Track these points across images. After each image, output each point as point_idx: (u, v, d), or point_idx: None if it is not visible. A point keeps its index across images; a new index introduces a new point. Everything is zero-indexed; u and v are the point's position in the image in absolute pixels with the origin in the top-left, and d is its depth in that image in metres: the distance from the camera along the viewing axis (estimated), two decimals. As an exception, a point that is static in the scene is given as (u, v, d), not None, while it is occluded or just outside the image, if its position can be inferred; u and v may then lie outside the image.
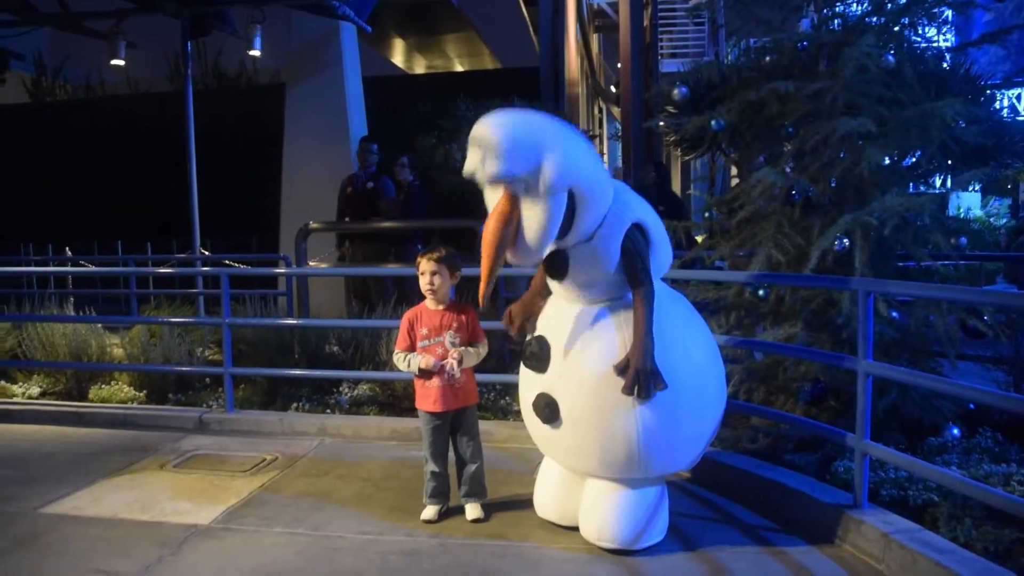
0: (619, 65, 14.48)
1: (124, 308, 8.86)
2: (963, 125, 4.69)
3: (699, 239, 6.37)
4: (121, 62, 9.28)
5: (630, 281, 3.48)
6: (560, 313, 3.69)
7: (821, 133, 4.42)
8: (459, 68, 18.90)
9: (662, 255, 3.65)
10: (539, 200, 3.21)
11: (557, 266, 3.56)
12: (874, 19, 4.83)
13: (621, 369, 3.38)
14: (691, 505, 4.24)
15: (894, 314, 4.55)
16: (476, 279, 3.46)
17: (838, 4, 5.03)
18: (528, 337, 3.78)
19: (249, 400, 6.08)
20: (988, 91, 5.17)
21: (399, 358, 4.11)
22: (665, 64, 13.53)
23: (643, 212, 3.58)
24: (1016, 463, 3.94)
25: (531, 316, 3.84)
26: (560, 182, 3.21)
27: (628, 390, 3.34)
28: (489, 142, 3.17)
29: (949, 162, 4.96)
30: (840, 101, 4.42)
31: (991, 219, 15.41)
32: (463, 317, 4.06)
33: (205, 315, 8.41)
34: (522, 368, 3.79)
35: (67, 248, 10.20)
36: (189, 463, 5.08)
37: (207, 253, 9.58)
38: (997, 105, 5.54)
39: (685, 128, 5.04)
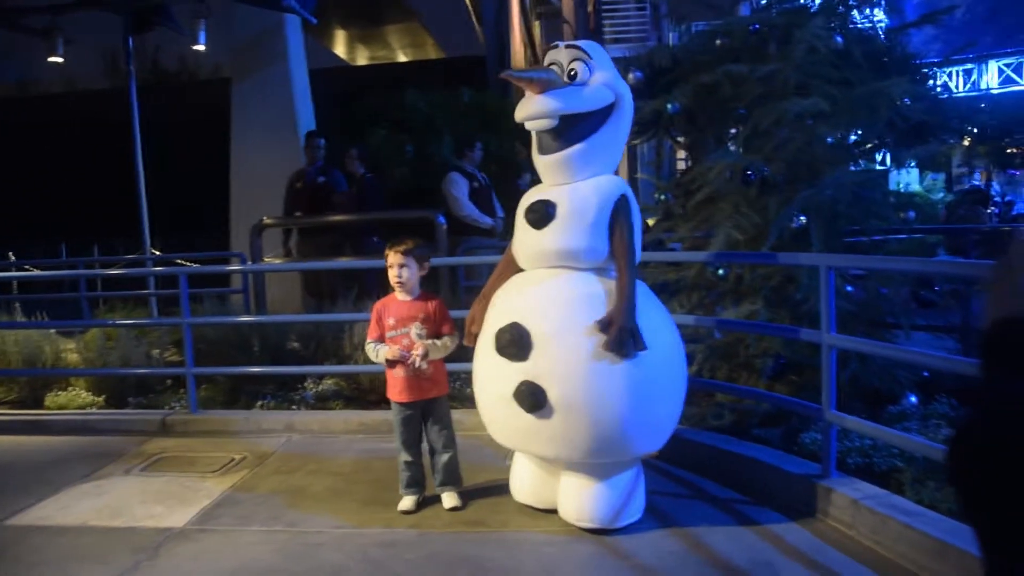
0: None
1: (74, 312, 8.65)
2: (907, 103, 4.86)
3: (650, 222, 6.46)
4: (59, 59, 9.04)
5: (617, 247, 3.50)
6: (534, 293, 3.62)
7: (774, 114, 4.53)
8: (402, 58, 18.78)
9: (638, 239, 3.69)
10: (593, 83, 3.55)
11: (542, 213, 3.58)
12: (817, 1, 4.96)
13: (604, 326, 3.37)
14: (663, 483, 4.33)
15: (849, 288, 4.69)
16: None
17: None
18: (500, 326, 3.64)
19: (212, 400, 6.01)
20: (927, 70, 5.35)
21: (369, 348, 4.13)
22: (609, 50, 13.61)
23: (631, 193, 3.66)
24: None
25: None
26: (613, 84, 3.61)
27: (610, 345, 3.34)
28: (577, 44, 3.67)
29: (892, 140, 5.14)
30: (792, 82, 4.53)
31: (929, 194, 15.89)
32: (430, 308, 4.07)
33: (159, 316, 8.26)
34: (487, 360, 3.70)
35: (9, 252, 9.93)
36: (156, 466, 5.01)
37: (158, 253, 9.41)
38: (934, 84, 5.73)
39: (641, 112, 5.10)
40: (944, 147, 5.13)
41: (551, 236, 3.58)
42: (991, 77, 15.62)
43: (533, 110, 3.53)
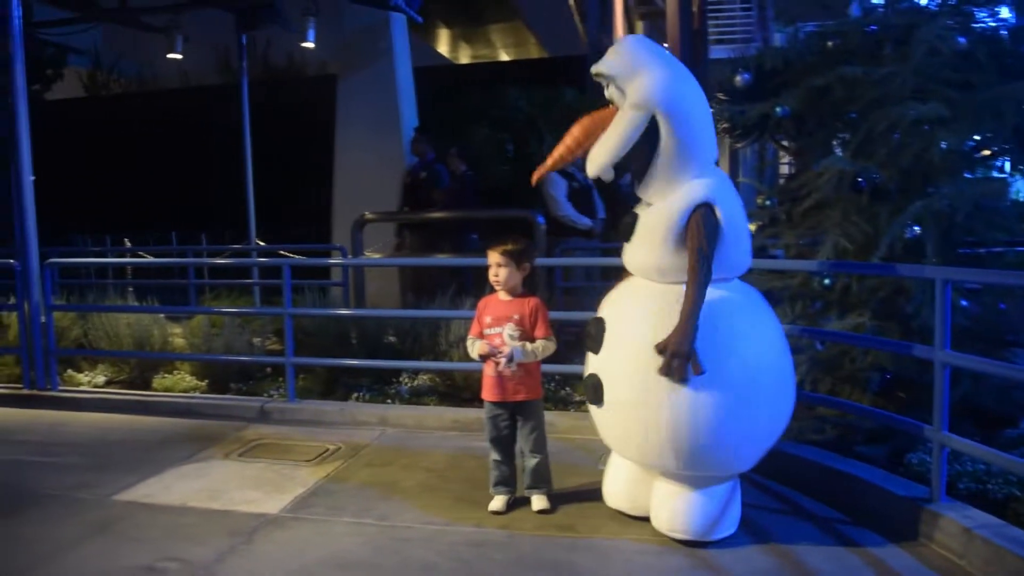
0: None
1: (182, 298, 9.00)
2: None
3: (752, 227, 6.29)
4: (178, 56, 9.42)
5: (688, 261, 3.37)
6: (623, 294, 3.74)
7: (890, 118, 4.32)
8: (504, 57, 18.88)
9: (733, 250, 3.49)
10: (625, 110, 3.39)
11: (628, 227, 3.62)
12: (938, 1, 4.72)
13: (660, 349, 3.33)
14: (759, 497, 4.20)
15: (964, 302, 4.45)
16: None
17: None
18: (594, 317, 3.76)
19: (309, 390, 6.14)
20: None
21: (469, 343, 4.18)
22: (713, 51, 13.35)
23: (724, 197, 3.46)
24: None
25: None
26: (649, 97, 3.35)
27: (663, 371, 3.31)
28: (623, 43, 3.55)
29: (1014, 146, 4.84)
30: (909, 85, 4.32)
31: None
32: (526, 310, 4.05)
33: (261, 305, 8.52)
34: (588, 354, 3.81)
35: (125, 240, 10.42)
36: (253, 452, 5.15)
37: (262, 244, 9.70)
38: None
39: (748, 115, 4.97)
40: None
41: (632, 251, 3.65)
42: None
43: (591, 167, 3.53)
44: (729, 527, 3.64)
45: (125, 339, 6.70)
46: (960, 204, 4.25)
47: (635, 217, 3.62)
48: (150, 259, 8.86)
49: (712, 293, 3.40)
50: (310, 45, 9.27)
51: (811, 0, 5.88)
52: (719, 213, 3.41)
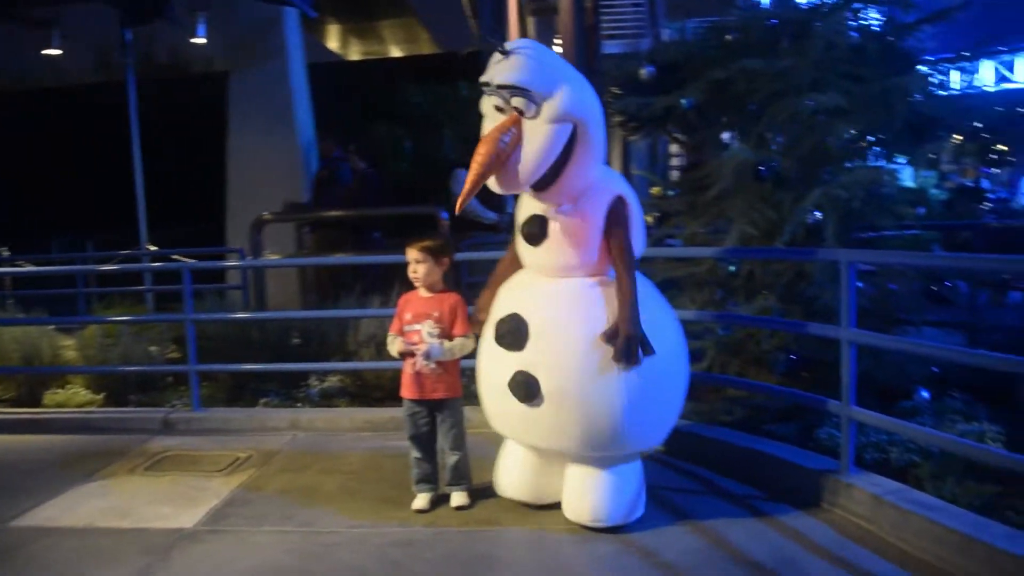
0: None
1: (69, 309, 8.54)
2: (919, 100, 4.86)
3: (649, 219, 6.44)
4: (57, 52, 8.93)
5: (614, 252, 3.50)
6: (535, 288, 3.66)
7: (790, 109, 4.50)
8: (396, 53, 18.70)
9: (636, 239, 3.66)
10: (544, 123, 3.32)
11: (535, 231, 3.58)
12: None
13: (610, 336, 3.39)
14: (678, 479, 4.31)
15: (859, 284, 4.67)
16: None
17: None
18: (501, 316, 3.66)
19: (213, 397, 5.93)
20: (937, 67, 5.34)
21: (389, 339, 4.13)
22: (604, 46, 13.56)
23: (628, 190, 3.62)
24: (986, 421, 4.09)
25: None
26: (569, 109, 3.34)
27: (619, 355, 3.36)
28: (517, 54, 3.34)
29: (891, 137, 5.12)
30: (807, 78, 4.51)
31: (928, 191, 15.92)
32: (445, 308, 4.02)
33: (155, 312, 8.16)
34: (487, 349, 3.73)
35: (3, 249, 9.80)
36: (160, 465, 4.94)
37: (154, 248, 9.31)
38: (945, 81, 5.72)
39: (654, 107, 5.08)
40: (946, 145, 5.11)
41: (545, 253, 3.61)
42: (986, 75, 15.75)
43: (510, 186, 3.45)
44: (641, 508, 3.74)
45: (11, 354, 6.30)
46: (855, 191, 4.47)
47: (541, 220, 3.57)
48: (34, 268, 8.38)
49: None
50: (201, 41, 8.94)
51: None
52: (626, 201, 3.57)
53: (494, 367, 3.67)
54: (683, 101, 4.85)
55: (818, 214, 4.44)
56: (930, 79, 5.04)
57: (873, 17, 5.06)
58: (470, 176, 3.37)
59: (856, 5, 4.75)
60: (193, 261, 6.20)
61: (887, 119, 4.60)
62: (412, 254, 4.07)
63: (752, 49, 4.84)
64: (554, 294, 3.60)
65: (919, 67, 5.23)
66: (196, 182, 11.46)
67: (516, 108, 3.34)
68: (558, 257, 3.59)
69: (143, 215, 9.16)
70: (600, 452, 3.61)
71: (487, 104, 3.47)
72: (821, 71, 4.57)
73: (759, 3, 5.44)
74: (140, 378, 6.14)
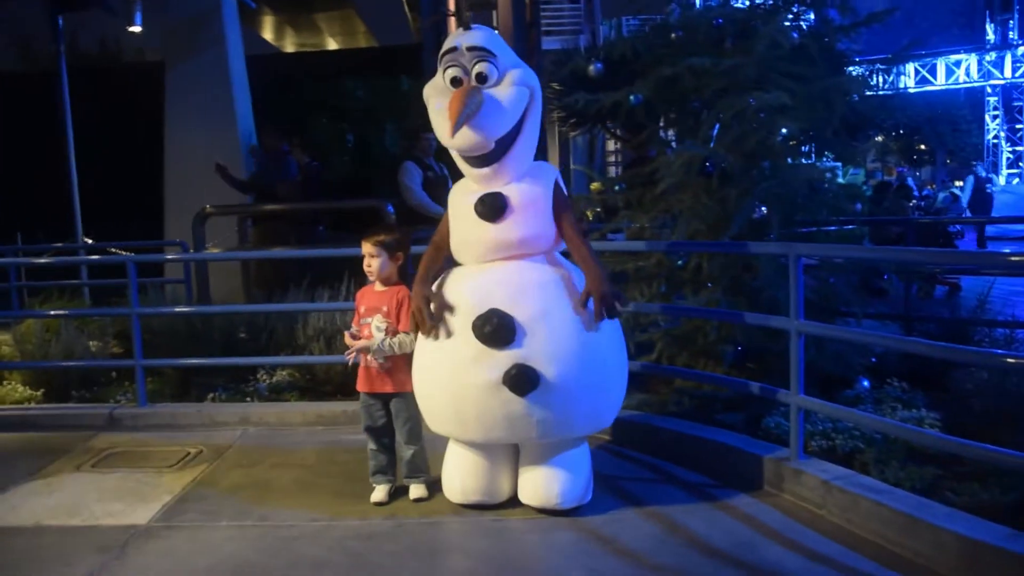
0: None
1: (3, 303, 8.25)
2: (856, 99, 5.05)
3: (589, 213, 6.55)
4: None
5: (567, 222, 3.69)
6: (502, 278, 3.62)
7: (736, 107, 4.63)
8: (332, 45, 18.48)
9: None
10: (508, 85, 3.55)
11: (497, 205, 3.62)
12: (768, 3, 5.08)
13: (585, 301, 3.55)
14: (631, 468, 4.41)
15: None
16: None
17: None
18: (479, 314, 3.55)
19: (159, 393, 5.83)
20: (868, 68, 5.56)
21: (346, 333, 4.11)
22: (544, 42, 13.65)
23: (559, 175, 3.87)
24: (924, 407, 4.29)
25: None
26: (526, 78, 3.62)
27: (602, 313, 3.55)
28: (481, 29, 3.65)
29: (829, 135, 5.31)
30: (752, 76, 4.65)
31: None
32: (394, 302, 4.03)
33: (93, 307, 7.94)
34: (459, 350, 3.60)
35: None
36: (107, 462, 4.84)
37: (90, 242, 9.05)
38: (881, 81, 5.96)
39: (602, 103, 5.16)
40: (879, 143, 5.35)
41: (510, 228, 3.63)
42: (908, 77, 16.41)
43: (470, 142, 3.53)
44: (591, 489, 3.87)
45: (-59, 350, 6.10)
46: (798, 186, 4.63)
47: (499, 195, 3.62)
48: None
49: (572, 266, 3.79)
50: (136, 30, 8.71)
51: None
52: (560, 182, 3.80)
53: (475, 368, 3.56)
54: (631, 97, 4.93)
55: (763, 209, 4.58)
56: (866, 79, 5.26)
57: (806, 19, 5.25)
58: (451, 116, 3.45)
59: (796, 8, 4.91)
60: (135, 255, 6.03)
61: (827, 117, 4.77)
62: (367, 248, 4.07)
63: (698, 47, 4.97)
64: (526, 282, 3.60)
65: (853, 68, 5.46)
66: (131, 174, 11.15)
67: (479, 74, 3.52)
68: (523, 230, 3.63)
69: (78, 208, 8.90)
70: (584, 432, 3.79)
71: (442, 78, 3.63)
72: (764, 70, 4.71)
73: (694, 2, 5.55)
74: (82, 374, 6.00)
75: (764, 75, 4.66)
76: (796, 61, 4.77)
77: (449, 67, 3.60)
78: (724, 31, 4.95)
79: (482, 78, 3.53)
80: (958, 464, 3.65)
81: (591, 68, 5.17)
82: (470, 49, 3.53)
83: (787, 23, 4.73)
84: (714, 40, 5.01)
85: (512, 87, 3.56)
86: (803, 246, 3.99)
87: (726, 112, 4.68)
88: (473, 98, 3.47)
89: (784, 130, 4.56)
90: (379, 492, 4.08)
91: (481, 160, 3.63)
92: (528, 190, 3.65)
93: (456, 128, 3.46)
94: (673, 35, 5.21)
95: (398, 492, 4.11)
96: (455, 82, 3.59)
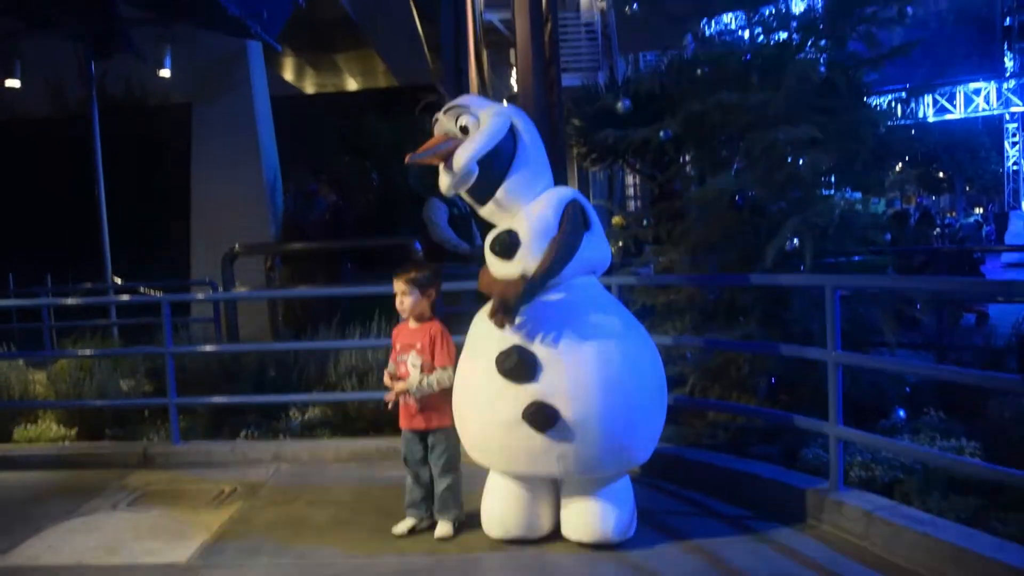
0: (513, 81, 14.62)
1: (35, 343, 8.34)
2: (882, 131, 5.09)
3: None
4: (17, 83, 8.79)
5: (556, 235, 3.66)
6: (529, 318, 3.64)
7: (766, 141, 4.67)
8: (352, 86, 18.75)
9: (599, 244, 3.84)
10: (486, 117, 3.66)
11: (508, 241, 3.68)
12: (796, 36, 5.15)
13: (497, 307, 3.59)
14: (669, 502, 4.39)
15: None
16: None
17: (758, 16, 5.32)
18: (499, 349, 3.62)
19: (191, 431, 5.84)
20: (900, 96, 5.61)
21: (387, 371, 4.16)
22: (564, 78, 13.82)
23: (580, 197, 3.86)
24: (963, 437, 4.26)
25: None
26: (504, 110, 3.77)
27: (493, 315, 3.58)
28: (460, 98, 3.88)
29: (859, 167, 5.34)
30: (782, 111, 4.69)
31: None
32: (427, 339, 4.06)
33: (122, 346, 8.01)
34: (483, 384, 3.67)
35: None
36: (143, 500, 4.87)
37: (119, 282, 9.16)
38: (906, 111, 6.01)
39: (630, 139, 5.22)
40: (899, 173, 5.38)
41: (524, 263, 3.67)
42: (927, 107, 16.46)
43: (452, 177, 3.63)
44: (635, 524, 3.84)
45: (-19, 390, 6.15)
46: (829, 218, 4.65)
47: (511, 233, 3.69)
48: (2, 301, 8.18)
49: (608, 297, 3.86)
50: (165, 74, 8.89)
51: (649, 33, 6.26)
52: (583, 206, 3.80)
53: (497, 402, 3.61)
54: (661, 133, 4.99)
55: (795, 241, 4.59)
56: (893, 111, 5.31)
57: (835, 52, 5.30)
58: (422, 148, 3.64)
59: (823, 42, 4.96)
60: (169, 295, 6.11)
61: (857, 149, 4.81)
62: (398, 285, 4.10)
63: (725, 83, 5.03)
64: (551, 318, 3.62)
65: (879, 99, 5.51)
66: (157, 214, 11.30)
67: (462, 127, 3.65)
68: (534, 264, 3.65)
69: (107, 249, 9.02)
70: (612, 470, 3.71)
71: (437, 133, 3.75)
72: (793, 104, 4.76)
73: (710, 38, 5.63)
74: (115, 412, 6.04)
75: (793, 109, 4.70)
76: (823, 95, 4.82)
77: (443, 133, 3.72)
78: (751, 67, 5.02)
79: (465, 130, 3.66)
80: (1001, 494, 3.62)
81: (619, 105, 5.24)
82: (447, 111, 3.72)
83: (814, 57, 4.77)
84: (741, 76, 5.07)
85: (489, 118, 3.68)
86: (839, 278, 4.01)
87: (755, 146, 4.72)
88: (446, 142, 3.63)
89: (814, 163, 4.58)
90: (400, 525, 4.10)
91: (481, 196, 3.74)
92: (539, 219, 3.67)
93: (414, 157, 3.65)
94: (699, 71, 5.28)
95: (434, 526, 4.10)
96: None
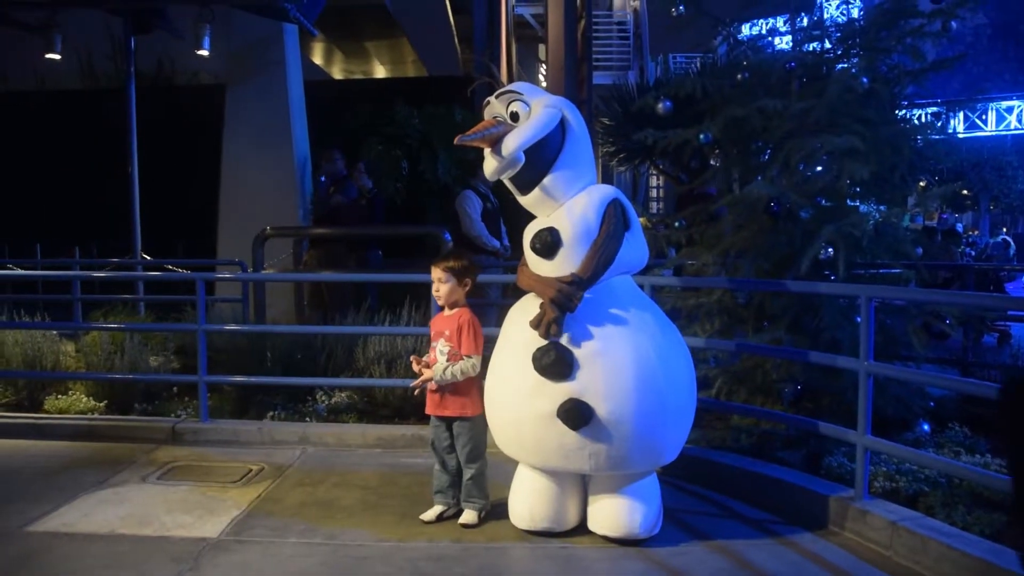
0: (542, 76, 14.69)
1: (64, 314, 8.43)
2: (920, 143, 5.11)
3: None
4: (57, 56, 8.88)
5: (598, 238, 3.69)
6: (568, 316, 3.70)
7: (806, 149, 4.70)
8: (380, 73, 18.81)
9: (637, 245, 3.87)
10: (537, 107, 3.72)
11: (549, 241, 3.72)
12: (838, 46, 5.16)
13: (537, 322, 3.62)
14: (694, 502, 4.43)
15: (858, 319, 4.87)
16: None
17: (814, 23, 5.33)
18: (539, 347, 3.65)
19: (219, 409, 5.92)
20: (941, 109, 5.63)
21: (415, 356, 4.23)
22: (595, 77, 13.84)
23: (621, 196, 3.88)
24: (989, 453, 4.29)
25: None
26: (555, 102, 3.80)
27: (537, 324, 3.62)
28: (513, 84, 3.89)
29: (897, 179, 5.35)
30: (823, 120, 4.72)
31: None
32: (455, 327, 4.10)
33: (148, 322, 8.11)
34: (521, 379, 3.70)
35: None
36: (172, 475, 4.95)
37: (148, 258, 9.25)
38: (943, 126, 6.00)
39: (666, 140, 5.25)
40: (925, 188, 5.39)
41: (565, 263, 3.71)
42: (958, 122, 16.39)
43: (498, 163, 3.68)
44: (660, 520, 3.90)
45: (13, 359, 6.25)
46: (863, 229, 4.67)
47: (553, 231, 3.72)
48: (30, 272, 8.27)
49: (643, 297, 3.93)
50: (204, 53, 8.95)
51: (682, 33, 6.27)
52: (624, 206, 3.84)
53: (532, 398, 3.66)
54: (701, 136, 5.01)
55: (830, 250, 4.62)
56: (932, 124, 5.32)
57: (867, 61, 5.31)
58: (472, 131, 3.68)
59: (867, 52, 4.98)
60: (203, 274, 6.18)
61: (895, 161, 4.82)
62: (436, 273, 4.17)
63: (767, 89, 5.06)
64: (588, 316, 3.66)
65: (917, 112, 5.52)
66: (186, 193, 11.41)
67: (513, 113, 3.71)
68: (573, 267, 3.69)
69: (138, 225, 9.11)
70: (644, 467, 3.78)
71: (487, 116, 3.80)
72: (835, 113, 4.78)
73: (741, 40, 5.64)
74: (145, 387, 6.12)
75: (834, 118, 4.72)
76: (865, 105, 4.84)
77: (492, 116, 3.77)
78: (793, 74, 5.03)
79: (515, 117, 3.71)
80: (1028, 512, 3.64)
81: (660, 106, 5.25)
82: (500, 95, 3.77)
83: (855, 67, 4.78)
84: (783, 83, 5.09)
85: (540, 108, 3.72)
86: (875, 288, 4.04)
87: (795, 154, 4.74)
88: (496, 126, 3.68)
89: (852, 173, 4.60)
90: (429, 512, 4.17)
91: (524, 185, 3.79)
92: (580, 219, 3.70)
93: (463, 138, 3.67)
94: (739, 76, 5.30)
95: (459, 515, 4.16)
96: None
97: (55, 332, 6.57)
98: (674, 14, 5.04)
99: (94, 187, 11.57)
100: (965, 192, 19.56)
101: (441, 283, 4.15)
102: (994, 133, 20.88)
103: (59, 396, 6.04)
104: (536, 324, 3.63)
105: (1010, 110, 20.72)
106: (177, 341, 6.78)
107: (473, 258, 7.01)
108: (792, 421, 4.56)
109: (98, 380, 6.05)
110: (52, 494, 4.57)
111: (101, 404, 6.04)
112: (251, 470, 5.01)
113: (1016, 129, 20.84)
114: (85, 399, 6.03)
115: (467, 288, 4.22)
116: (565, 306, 3.58)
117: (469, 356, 4.04)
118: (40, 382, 6.22)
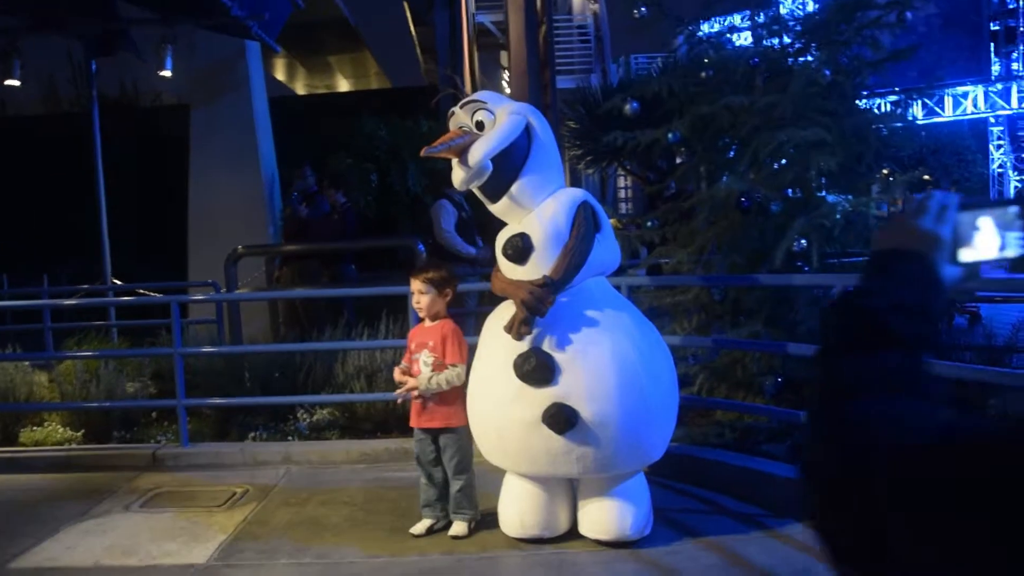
0: (506, 83, 14.71)
1: (36, 344, 8.30)
2: (884, 132, 5.18)
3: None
4: (16, 82, 8.75)
5: (568, 242, 3.68)
6: (545, 322, 3.66)
7: (773, 143, 4.75)
8: (344, 87, 18.77)
9: (609, 247, 3.88)
10: (503, 115, 3.71)
11: (521, 246, 3.71)
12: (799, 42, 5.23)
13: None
14: (682, 500, 4.45)
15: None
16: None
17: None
18: (520, 353, 3.64)
19: (200, 433, 5.86)
20: (901, 100, 5.71)
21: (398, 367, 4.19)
22: (557, 81, 13.88)
23: (591, 198, 3.89)
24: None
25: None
26: (520, 109, 3.81)
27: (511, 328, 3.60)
28: (477, 93, 3.94)
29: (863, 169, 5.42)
30: (788, 113, 4.77)
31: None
32: (439, 337, 4.10)
33: (120, 347, 8.00)
34: (502, 386, 3.69)
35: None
36: (155, 502, 4.88)
37: (119, 283, 9.13)
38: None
39: (637, 141, 5.28)
40: (887, 176, 5.48)
41: (538, 267, 3.70)
42: (917, 109, 16.64)
43: (466, 172, 3.66)
44: (651, 521, 3.92)
45: (-15, 392, 6.14)
46: (834, 219, 4.73)
47: (524, 236, 3.72)
48: (5, 303, 8.12)
49: (619, 298, 3.93)
50: (167, 74, 8.87)
51: (642, 33, 6.32)
52: (593, 208, 3.83)
53: (515, 405, 3.65)
54: (670, 135, 5.05)
55: (804, 241, 4.67)
56: (893, 113, 5.40)
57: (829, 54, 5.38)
58: (438, 142, 3.67)
59: (829, 46, 5.04)
60: (178, 296, 6.11)
61: (861, 151, 4.89)
62: (416, 284, 4.15)
63: (731, 86, 5.11)
64: (566, 320, 3.66)
65: (877, 102, 5.60)
66: (154, 215, 11.29)
67: (478, 122, 3.70)
68: (545, 270, 3.68)
69: (107, 250, 8.99)
70: (629, 468, 3.78)
71: (452, 127, 3.79)
72: (799, 107, 4.84)
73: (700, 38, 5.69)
74: (122, 414, 6.04)
75: (799, 112, 4.78)
76: (828, 97, 4.90)
77: (458, 127, 3.77)
78: (757, 70, 5.09)
79: (481, 126, 3.70)
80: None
81: (627, 107, 5.28)
82: (465, 105, 3.79)
83: (817, 60, 4.84)
84: (747, 79, 5.14)
85: (505, 116, 3.72)
86: (848, 277, 4.07)
87: (763, 148, 4.79)
88: (462, 136, 3.66)
89: (820, 164, 4.65)
90: (418, 525, 4.14)
91: (493, 193, 3.78)
92: (551, 223, 3.70)
93: (429, 150, 3.66)
94: (703, 74, 5.35)
95: (449, 526, 4.14)
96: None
97: (27, 363, 6.46)
98: (636, 16, 5.07)
99: (61, 213, 11.42)
100: (926, 177, 19.86)
101: (422, 294, 4.14)
102: (952, 118, 21.31)
103: (34, 428, 5.94)
104: (508, 327, 3.63)
105: (965, 95, 21.16)
106: (153, 366, 6.69)
107: (450, 268, 7.05)
108: (774, 414, 4.60)
109: (74, 409, 5.95)
110: (33, 528, 4.49)
111: (78, 434, 5.94)
112: (235, 493, 4.95)
113: (972, 113, 21.27)
114: (61, 430, 5.93)
115: (447, 299, 4.21)
116: (535, 308, 3.57)
117: (454, 365, 4.02)
118: (14, 414, 6.10)
